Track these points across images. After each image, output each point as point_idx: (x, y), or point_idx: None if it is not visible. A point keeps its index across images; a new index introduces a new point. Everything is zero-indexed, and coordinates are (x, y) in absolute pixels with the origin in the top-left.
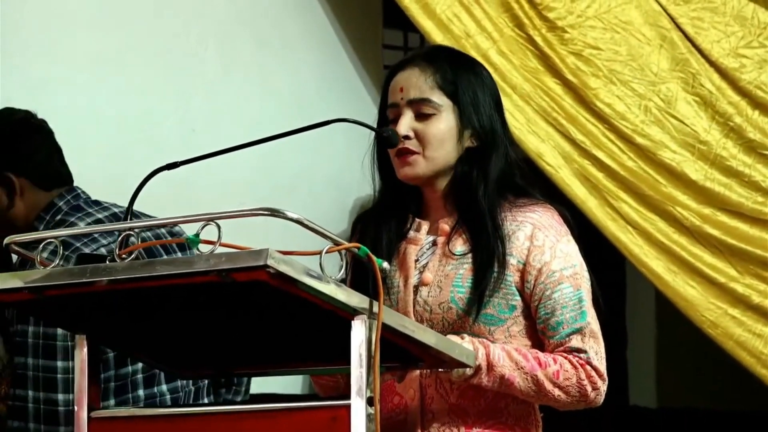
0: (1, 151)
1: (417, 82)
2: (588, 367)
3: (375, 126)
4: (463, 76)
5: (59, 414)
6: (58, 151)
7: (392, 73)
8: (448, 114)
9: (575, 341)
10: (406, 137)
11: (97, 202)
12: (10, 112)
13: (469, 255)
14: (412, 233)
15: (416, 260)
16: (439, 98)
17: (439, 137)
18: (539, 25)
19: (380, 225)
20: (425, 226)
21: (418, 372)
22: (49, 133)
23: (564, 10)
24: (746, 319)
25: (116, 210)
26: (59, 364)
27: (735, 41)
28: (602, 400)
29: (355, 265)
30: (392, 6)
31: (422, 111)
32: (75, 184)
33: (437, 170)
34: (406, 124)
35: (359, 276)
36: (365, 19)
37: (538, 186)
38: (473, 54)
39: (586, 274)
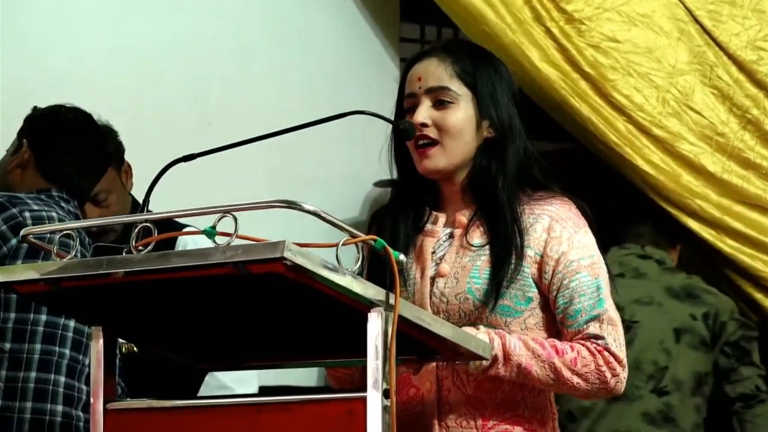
0: (36, 126)
1: (436, 71)
2: (606, 353)
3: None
4: (481, 68)
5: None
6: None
7: (410, 64)
8: (467, 103)
9: (593, 328)
10: (424, 125)
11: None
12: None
13: (487, 246)
14: (429, 226)
15: (433, 252)
16: (458, 87)
17: (458, 126)
18: (557, 18)
19: (398, 218)
20: (442, 218)
21: (434, 364)
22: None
23: (582, 2)
24: None
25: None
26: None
27: (753, 34)
28: (623, 388)
29: (371, 258)
30: None
31: (441, 99)
32: None
33: (457, 163)
34: (424, 112)
35: (376, 269)
36: (382, 12)
37: (557, 180)
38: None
39: (604, 266)
